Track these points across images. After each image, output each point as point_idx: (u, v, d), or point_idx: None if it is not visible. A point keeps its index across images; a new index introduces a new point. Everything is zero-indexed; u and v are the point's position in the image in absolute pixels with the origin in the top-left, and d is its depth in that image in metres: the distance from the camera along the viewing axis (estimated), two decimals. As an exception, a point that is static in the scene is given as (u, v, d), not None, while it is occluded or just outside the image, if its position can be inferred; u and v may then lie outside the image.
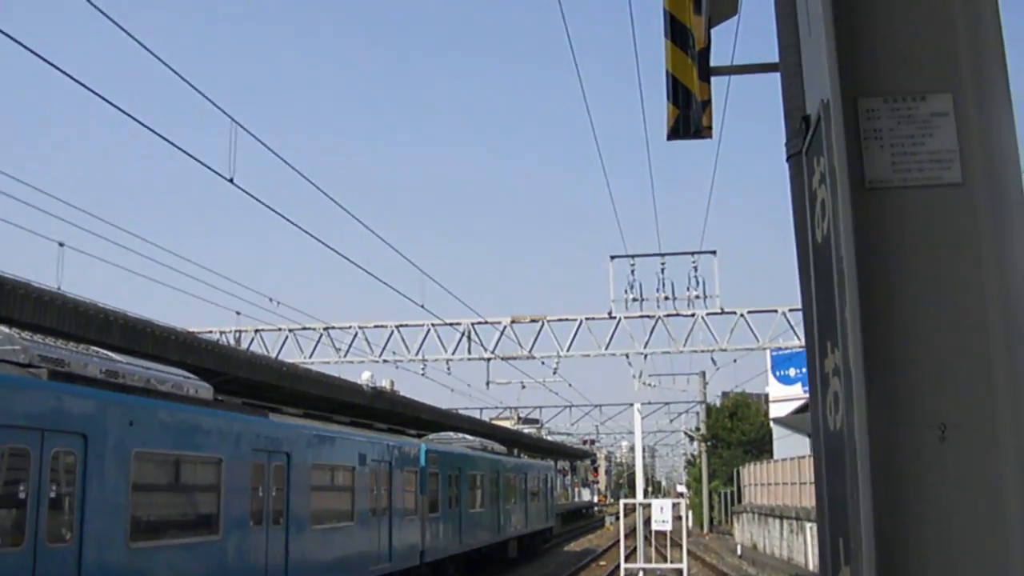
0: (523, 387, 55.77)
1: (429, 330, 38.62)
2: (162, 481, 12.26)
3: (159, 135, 14.17)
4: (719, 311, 36.09)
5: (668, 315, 36.43)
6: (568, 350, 38.41)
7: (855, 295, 2.39)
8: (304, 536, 15.56)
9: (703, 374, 61.94)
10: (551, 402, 71.23)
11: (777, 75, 3.38)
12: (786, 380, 51.23)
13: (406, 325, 38.93)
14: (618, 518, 42.72)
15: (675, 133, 4.65)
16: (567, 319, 38.57)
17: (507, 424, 69.69)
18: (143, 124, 13.82)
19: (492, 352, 39.57)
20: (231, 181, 16.11)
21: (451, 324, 38.38)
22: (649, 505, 30.16)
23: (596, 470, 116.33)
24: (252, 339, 39.05)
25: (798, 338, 33.31)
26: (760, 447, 59.59)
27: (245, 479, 13.72)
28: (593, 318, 37.90)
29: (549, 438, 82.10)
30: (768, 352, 47.64)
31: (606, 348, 38.07)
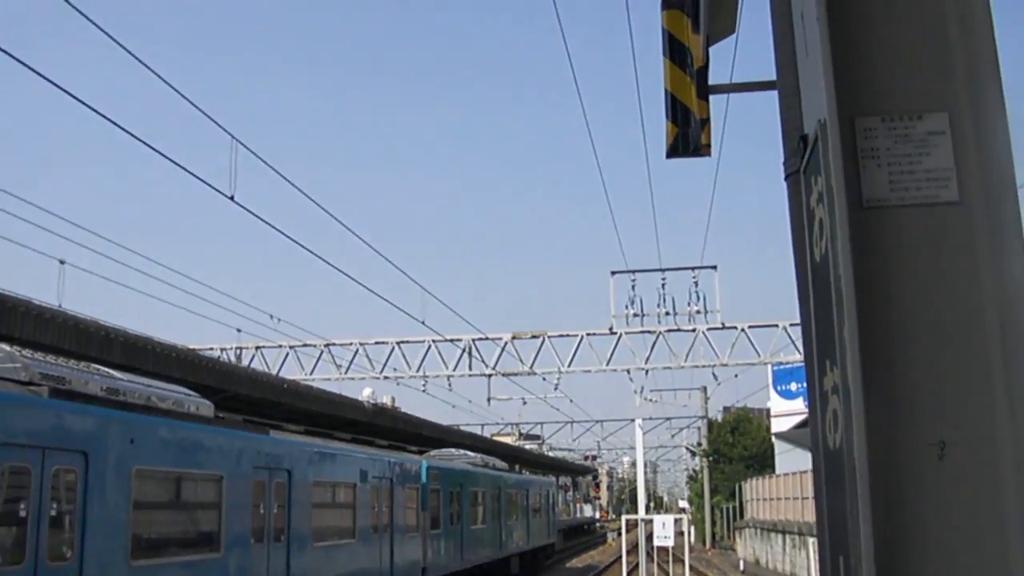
0: (524, 403, 55.88)
1: (430, 346, 38.62)
2: (163, 499, 12.24)
3: (160, 153, 14.22)
4: (720, 326, 36.10)
5: (669, 330, 36.45)
6: (569, 366, 38.40)
7: (853, 313, 2.40)
8: (305, 553, 15.52)
9: (704, 389, 61.95)
10: (552, 418, 71.34)
11: (775, 93, 3.41)
12: (788, 395, 51.12)
13: (407, 341, 38.92)
14: (620, 534, 42.65)
15: (674, 151, 4.67)
16: (568, 335, 38.58)
17: (508, 440, 69.54)
18: (144, 142, 13.87)
19: (493, 368, 39.57)
20: (232, 199, 16.15)
21: (452, 340, 38.38)
22: (651, 521, 30.11)
23: (598, 486, 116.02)
24: (253, 356, 39.05)
25: (799, 352, 33.27)
26: (762, 462, 59.46)
27: (246, 496, 13.69)
28: (594, 334, 37.90)
29: (550, 454, 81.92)
30: (769, 367, 47.59)
31: (607, 364, 38.07)
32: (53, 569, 9.60)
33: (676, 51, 4.75)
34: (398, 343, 38.98)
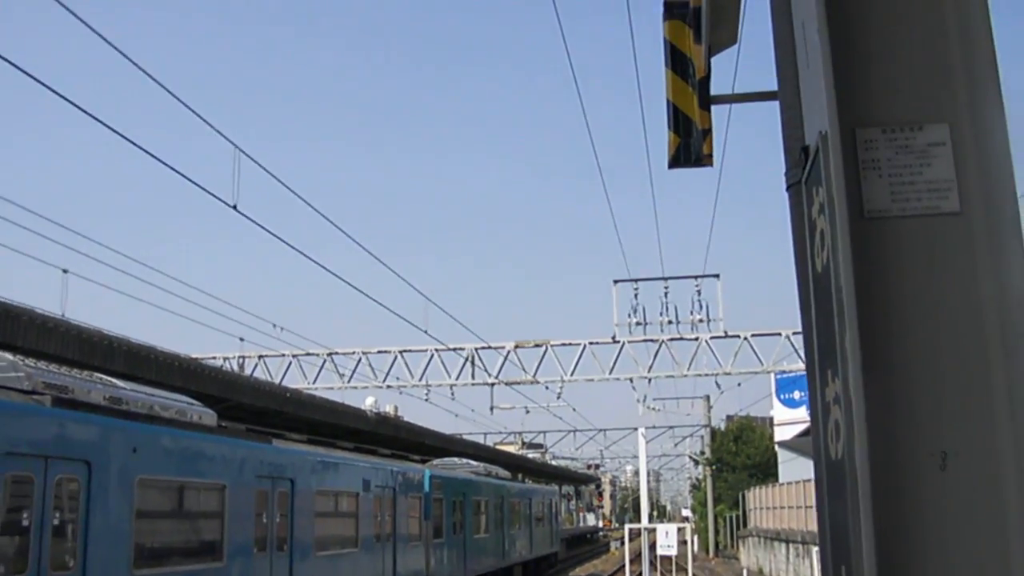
0: (527, 412, 55.72)
1: (433, 355, 38.63)
2: (166, 508, 12.24)
3: (163, 162, 14.25)
4: (723, 335, 36.08)
5: (672, 339, 36.45)
6: (572, 375, 38.39)
7: (854, 324, 2.40)
8: (308, 562, 15.51)
9: (707, 398, 61.89)
10: (555, 427, 71.07)
11: (777, 103, 3.42)
12: (791, 403, 51.07)
13: (410, 350, 38.93)
14: (623, 543, 42.53)
15: (676, 161, 4.68)
16: (571, 344, 38.57)
17: (511, 449, 69.47)
18: (147, 151, 13.88)
19: (496, 377, 39.56)
20: (235, 208, 16.17)
21: (455, 349, 38.40)
22: (654, 530, 30.05)
23: (601, 495, 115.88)
24: (256, 365, 39.07)
25: (802, 361, 33.24)
26: (765, 470, 59.41)
27: (249, 505, 13.69)
28: (597, 342, 37.90)
29: (553, 463, 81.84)
30: (772, 375, 47.56)
31: (610, 372, 38.05)
32: (56, 578, 9.59)
33: (678, 61, 4.77)
34: (401, 352, 38.99)
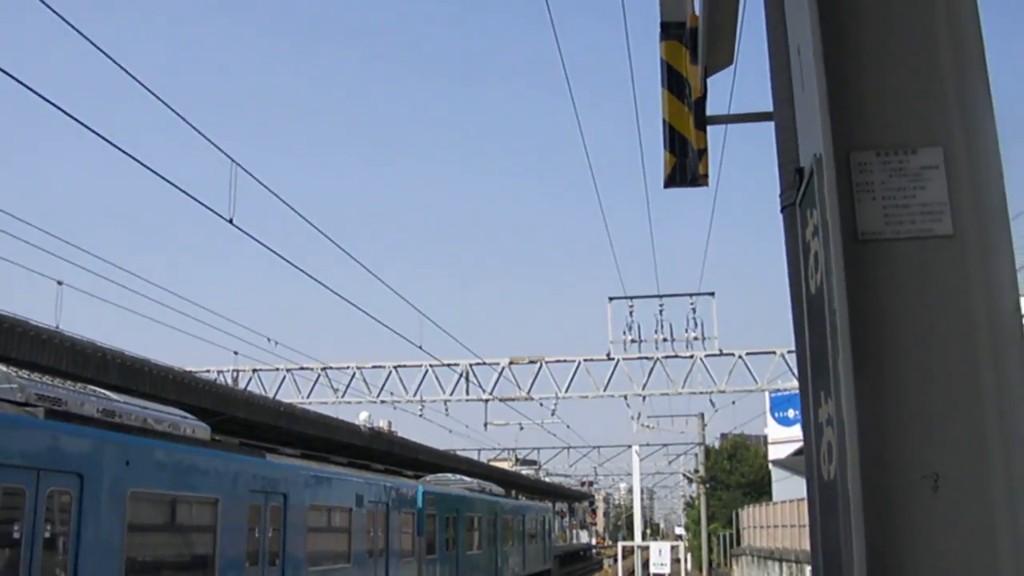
0: (521, 428, 55.73)
1: (427, 371, 38.55)
2: (158, 521, 12.20)
3: (160, 175, 14.25)
4: (717, 352, 36.05)
5: (666, 356, 36.39)
6: (566, 391, 38.33)
7: (847, 346, 2.41)
8: (300, 578, 15.45)
9: (701, 415, 61.65)
10: (549, 443, 71.14)
11: (772, 124, 3.44)
12: (785, 422, 50.99)
13: (404, 366, 38.84)
14: (616, 560, 42.41)
15: (672, 181, 4.70)
16: (565, 360, 38.52)
17: (505, 465, 69.30)
18: (144, 164, 13.90)
19: (490, 393, 39.48)
20: (231, 222, 16.18)
21: (449, 365, 38.32)
22: (647, 547, 29.98)
23: (594, 512, 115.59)
24: (250, 379, 38.97)
25: (796, 379, 33.24)
26: (759, 489, 59.30)
27: (242, 520, 13.65)
28: (591, 359, 37.84)
29: (547, 480, 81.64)
30: (767, 393, 47.53)
31: (604, 389, 37.99)
32: (46, 592, 9.55)
33: (674, 82, 4.79)
34: (395, 367, 38.90)
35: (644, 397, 39.21)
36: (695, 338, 34.51)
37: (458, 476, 31.97)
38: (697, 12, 5.09)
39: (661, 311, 34.68)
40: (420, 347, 30.55)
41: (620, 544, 32.81)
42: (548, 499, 63.08)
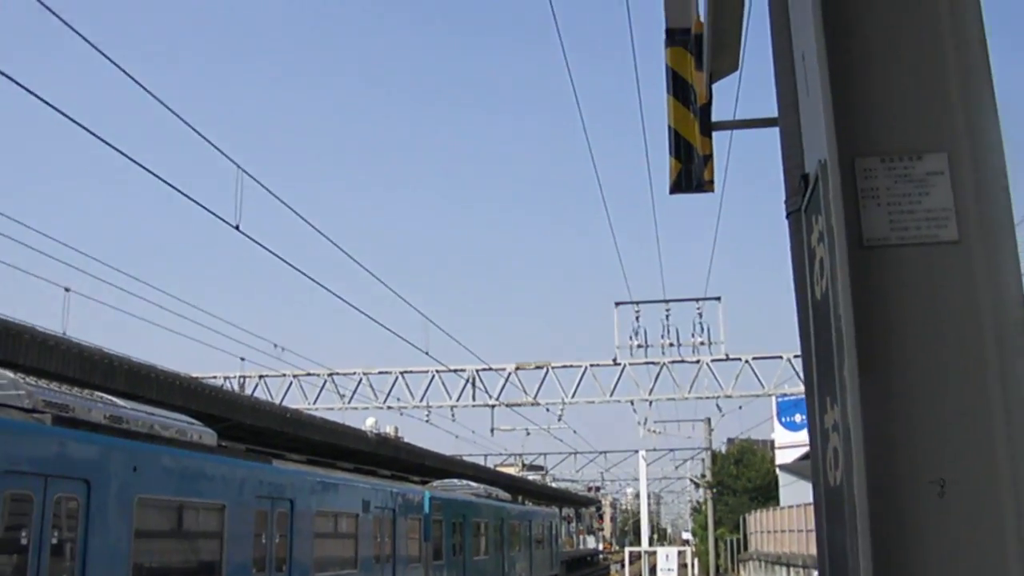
0: (528, 434, 55.65)
1: (434, 376, 38.58)
2: (165, 528, 12.21)
3: (166, 182, 14.30)
4: (724, 357, 36.02)
5: (673, 361, 36.38)
6: (573, 397, 38.35)
7: (853, 352, 2.42)
8: (306, 584, 15.45)
9: (708, 420, 61.58)
10: (556, 449, 70.86)
11: (777, 130, 3.44)
12: (792, 426, 50.95)
13: (410, 371, 38.87)
14: (623, 566, 42.34)
15: (677, 187, 4.70)
16: (572, 366, 38.52)
17: (512, 471, 69.29)
18: (150, 171, 13.95)
19: (497, 399, 39.48)
20: (237, 228, 16.22)
21: (456, 371, 38.35)
22: (655, 553, 29.93)
23: (601, 517, 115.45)
24: (256, 385, 39.03)
25: (803, 384, 33.16)
26: (766, 494, 59.22)
27: (248, 526, 13.65)
28: (598, 364, 37.84)
29: (554, 485, 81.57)
30: (773, 398, 47.49)
31: (611, 395, 38.00)
32: (54, 598, 9.57)
33: (680, 88, 4.80)
34: (402, 373, 38.93)
35: (651, 402, 39.25)
36: (702, 343, 34.52)
37: (464, 482, 31.95)
38: (702, 18, 5.10)
39: (668, 316, 34.68)
40: (427, 353, 30.64)
41: (627, 549, 32.75)
42: (555, 504, 63.00)
